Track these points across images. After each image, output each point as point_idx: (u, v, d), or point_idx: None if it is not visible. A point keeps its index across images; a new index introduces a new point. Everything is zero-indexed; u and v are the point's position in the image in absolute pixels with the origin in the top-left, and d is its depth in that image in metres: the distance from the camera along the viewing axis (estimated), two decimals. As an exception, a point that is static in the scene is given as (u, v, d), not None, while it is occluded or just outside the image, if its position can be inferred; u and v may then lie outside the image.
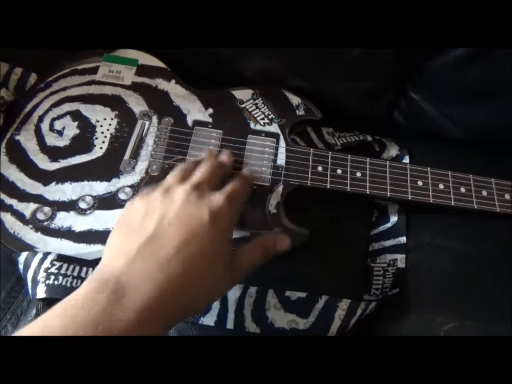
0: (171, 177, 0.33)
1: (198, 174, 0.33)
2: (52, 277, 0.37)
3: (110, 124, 0.46)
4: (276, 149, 0.46)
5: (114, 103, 0.47)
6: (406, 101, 0.51)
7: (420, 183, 0.45)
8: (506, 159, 0.47)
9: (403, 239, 0.45)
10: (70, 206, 0.41)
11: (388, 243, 0.45)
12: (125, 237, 0.28)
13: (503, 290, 0.39)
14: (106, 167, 0.43)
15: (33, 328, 0.23)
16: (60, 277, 0.37)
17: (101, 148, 0.44)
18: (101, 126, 0.45)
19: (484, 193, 0.44)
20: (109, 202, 0.42)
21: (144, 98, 0.47)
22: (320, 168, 0.45)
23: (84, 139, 0.44)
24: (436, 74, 0.45)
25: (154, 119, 0.46)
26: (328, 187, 0.44)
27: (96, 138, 0.45)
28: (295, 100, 0.49)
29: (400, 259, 0.43)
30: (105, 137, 0.45)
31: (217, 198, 0.30)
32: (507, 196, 0.44)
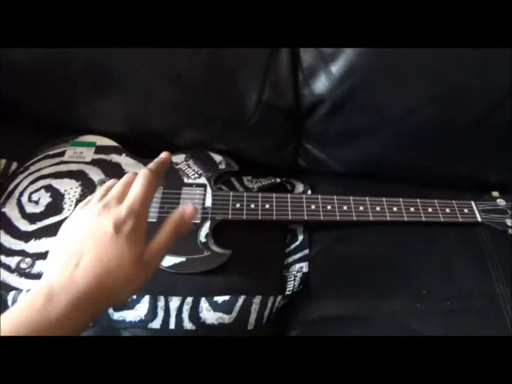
0: (94, 196, 0.41)
1: (111, 193, 0.40)
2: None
3: (75, 192, 0.60)
4: (204, 195, 0.60)
5: (78, 175, 0.61)
6: (303, 150, 0.68)
7: (313, 206, 0.59)
8: (377, 182, 0.63)
9: (306, 251, 0.58)
10: (46, 255, 0.53)
11: (297, 256, 0.59)
12: (58, 252, 0.37)
13: (373, 277, 0.53)
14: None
15: None
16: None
17: (69, 209, 0.58)
18: (69, 193, 0.59)
19: (361, 208, 0.59)
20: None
21: (101, 170, 0.62)
22: (238, 205, 0.59)
23: (55, 205, 0.58)
24: (314, 128, 0.62)
25: (110, 184, 0.61)
26: (244, 218, 0.58)
27: (65, 203, 0.58)
28: (217, 158, 0.65)
29: (305, 266, 0.57)
30: (72, 201, 0.59)
31: (120, 210, 0.37)
32: (378, 208, 0.59)
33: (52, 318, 0.32)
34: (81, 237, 0.37)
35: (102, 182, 0.61)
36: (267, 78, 0.58)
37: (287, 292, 0.55)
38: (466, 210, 0.59)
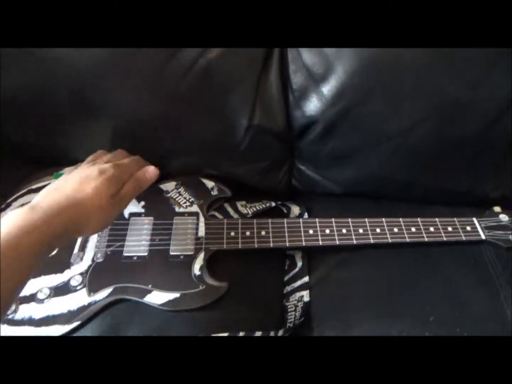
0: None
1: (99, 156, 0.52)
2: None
3: (61, 227, 0.57)
4: (197, 224, 0.58)
5: (64, 210, 0.58)
6: (297, 172, 0.66)
7: (311, 231, 0.57)
8: (374, 201, 0.61)
9: (306, 278, 0.56)
10: (30, 298, 0.50)
11: (297, 284, 0.56)
12: (50, 187, 0.44)
13: (377, 304, 0.50)
14: (60, 262, 0.53)
15: None
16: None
17: (54, 247, 0.55)
18: (54, 229, 0.56)
19: (361, 230, 0.57)
20: (63, 289, 0.51)
21: (88, 202, 0.59)
22: (232, 233, 0.57)
23: (40, 243, 0.55)
24: (307, 149, 0.61)
25: (97, 217, 0.58)
26: (240, 247, 0.55)
27: (50, 240, 0.55)
28: (209, 184, 0.63)
29: (305, 294, 0.54)
30: (58, 238, 0.56)
31: (106, 164, 0.46)
32: (378, 230, 0.57)
33: (35, 220, 0.37)
34: (68, 177, 0.44)
35: (89, 215, 0.58)
36: (257, 100, 0.57)
37: (288, 325, 0.52)
38: (469, 228, 0.57)
